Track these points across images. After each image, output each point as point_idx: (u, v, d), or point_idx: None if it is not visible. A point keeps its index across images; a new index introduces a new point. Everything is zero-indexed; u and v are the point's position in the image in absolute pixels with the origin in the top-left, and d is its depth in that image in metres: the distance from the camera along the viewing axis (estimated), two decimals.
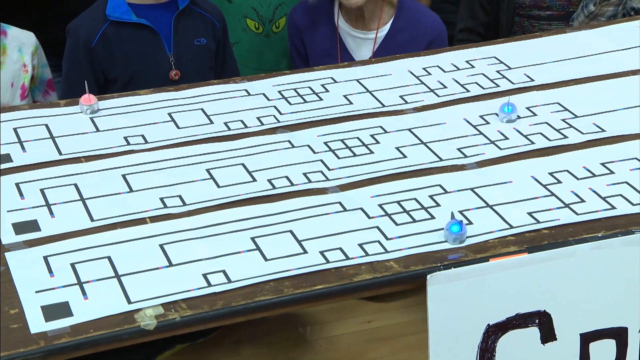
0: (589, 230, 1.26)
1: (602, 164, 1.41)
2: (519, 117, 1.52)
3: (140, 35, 1.98)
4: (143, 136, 1.48)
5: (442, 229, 1.25)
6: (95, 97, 1.55)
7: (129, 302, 1.13)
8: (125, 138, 1.48)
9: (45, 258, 1.20)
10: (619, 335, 1.26)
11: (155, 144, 1.46)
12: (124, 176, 1.38)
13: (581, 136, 1.49)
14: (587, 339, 1.25)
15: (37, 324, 1.10)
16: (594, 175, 1.38)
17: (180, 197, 1.33)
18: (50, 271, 1.18)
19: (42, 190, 1.34)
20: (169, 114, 1.55)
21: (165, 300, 1.13)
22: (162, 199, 1.33)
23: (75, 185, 1.35)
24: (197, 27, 2.05)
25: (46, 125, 1.51)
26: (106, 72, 1.98)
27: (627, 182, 1.36)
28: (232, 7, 2.29)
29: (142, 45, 1.98)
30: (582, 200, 1.32)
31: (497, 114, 1.54)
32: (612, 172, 1.39)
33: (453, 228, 1.22)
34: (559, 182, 1.37)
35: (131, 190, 1.35)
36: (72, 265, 1.19)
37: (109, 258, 1.20)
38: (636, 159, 1.42)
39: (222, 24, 2.09)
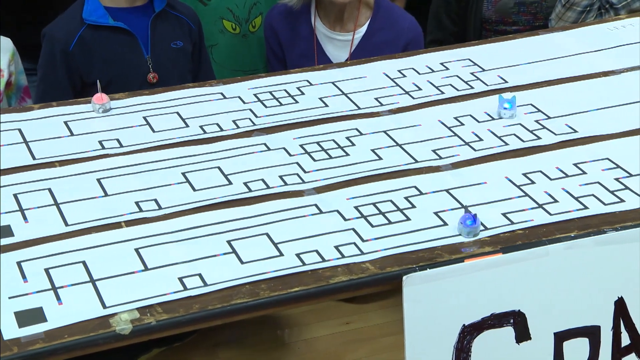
0: (562, 230, 1.27)
1: (575, 165, 1.43)
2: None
3: (117, 39, 1.97)
4: (118, 140, 1.48)
5: (419, 230, 1.26)
6: (107, 96, 1.54)
7: (104, 306, 1.12)
8: (100, 142, 1.47)
9: (19, 263, 1.19)
10: (592, 334, 1.27)
11: (131, 147, 1.46)
12: (98, 180, 1.37)
13: (554, 137, 1.50)
14: (560, 338, 1.26)
15: (10, 330, 1.09)
16: (567, 176, 1.40)
17: (155, 200, 1.33)
18: (23, 276, 1.17)
19: (15, 195, 1.33)
20: (144, 118, 1.54)
21: (141, 305, 1.13)
22: (137, 203, 1.32)
23: (49, 189, 1.34)
24: (173, 29, 2.05)
25: (19, 130, 1.50)
26: (84, 76, 1.97)
27: (599, 182, 1.38)
28: (207, 10, 2.29)
29: (120, 49, 1.97)
30: (555, 201, 1.34)
31: (471, 118, 1.55)
32: (584, 173, 1.40)
33: (467, 222, 1.23)
34: (533, 182, 1.38)
35: (106, 195, 1.34)
36: (46, 270, 1.18)
37: (84, 263, 1.20)
38: (608, 159, 1.44)
39: (197, 26, 2.10)
